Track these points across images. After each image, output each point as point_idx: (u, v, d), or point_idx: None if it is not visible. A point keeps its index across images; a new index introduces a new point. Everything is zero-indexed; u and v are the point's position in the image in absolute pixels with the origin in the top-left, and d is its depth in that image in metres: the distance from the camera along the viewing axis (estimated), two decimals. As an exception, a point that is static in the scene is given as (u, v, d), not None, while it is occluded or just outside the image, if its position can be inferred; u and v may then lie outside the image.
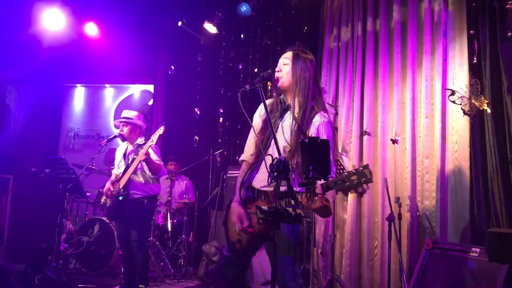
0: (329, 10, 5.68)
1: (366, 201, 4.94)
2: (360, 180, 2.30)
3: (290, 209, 2.15)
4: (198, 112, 7.48)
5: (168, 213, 6.32)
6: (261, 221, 2.29)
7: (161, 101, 8.05)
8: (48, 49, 7.68)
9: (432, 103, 4.44)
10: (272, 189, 2.52)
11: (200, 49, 7.55)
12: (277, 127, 2.76)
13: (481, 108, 3.93)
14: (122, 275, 4.97)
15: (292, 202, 2.37)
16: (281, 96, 2.83)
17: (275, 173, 2.18)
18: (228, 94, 7.24)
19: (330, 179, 2.49)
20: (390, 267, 4.12)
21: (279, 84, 2.78)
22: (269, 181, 2.23)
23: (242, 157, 2.93)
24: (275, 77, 2.80)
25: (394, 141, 4.69)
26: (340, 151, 5.31)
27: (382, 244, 4.71)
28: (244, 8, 6.50)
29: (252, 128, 2.84)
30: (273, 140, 2.53)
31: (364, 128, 5.04)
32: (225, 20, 6.92)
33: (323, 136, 2.64)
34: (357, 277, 4.95)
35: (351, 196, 5.05)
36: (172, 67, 7.63)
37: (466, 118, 4.05)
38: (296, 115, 2.70)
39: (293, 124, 2.69)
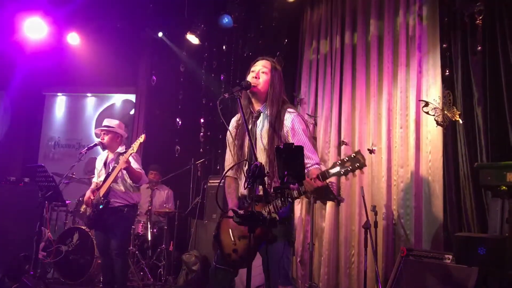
0: (308, 23, 5.82)
1: (343, 209, 5.04)
2: (354, 165, 2.40)
3: (266, 213, 2.22)
4: (180, 122, 7.53)
5: (148, 223, 6.33)
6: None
7: (142, 110, 8.09)
8: (29, 57, 7.69)
9: (406, 114, 4.58)
10: (261, 192, 2.57)
11: (182, 60, 7.64)
12: (254, 134, 2.84)
13: (453, 119, 4.07)
14: (101, 284, 4.95)
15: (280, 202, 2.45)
16: (254, 102, 2.92)
17: (252, 178, 2.25)
18: (210, 104, 7.32)
19: (316, 166, 2.59)
20: (366, 275, 4.20)
21: (255, 89, 2.86)
22: (245, 185, 2.29)
23: (227, 173, 2.95)
24: (253, 83, 2.87)
25: (371, 151, 4.78)
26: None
27: (359, 252, 4.80)
28: (226, 20, 6.60)
29: (227, 143, 2.93)
30: (252, 147, 2.60)
31: (342, 138, 5.15)
32: (207, 31, 7.02)
33: (299, 130, 2.77)
34: (335, 285, 5.02)
35: (329, 205, 5.14)
36: (154, 77, 7.70)
37: (439, 128, 4.19)
38: (270, 120, 2.80)
39: (269, 129, 2.78)
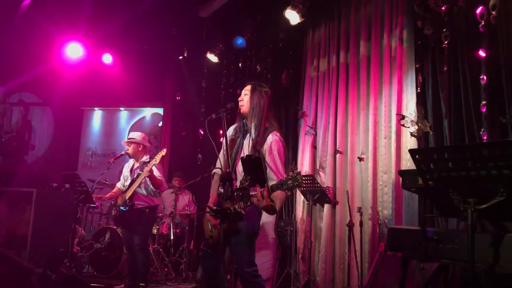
0: (310, 43, 6.46)
1: (338, 211, 5.62)
2: (294, 183, 2.95)
3: (233, 209, 2.88)
4: (202, 133, 8.30)
5: (172, 224, 7.08)
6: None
7: (169, 122, 8.92)
8: (69, 76, 8.67)
9: (389, 126, 5.13)
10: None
11: (204, 76, 8.43)
12: (241, 145, 3.51)
13: (425, 131, 4.60)
14: (127, 276, 5.72)
15: (248, 203, 3.07)
16: (244, 120, 3.58)
17: (223, 181, 2.93)
18: (228, 117, 8.01)
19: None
20: (350, 268, 4.78)
21: (240, 110, 3.54)
22: (218, 188, 2.97)
23: (214, 170, 3.66)
24: (239, 105, 3.56)
25: (360, 159, 5.39)
26: (318, 168, 6.03)
27: (350, 249, 5.36)
28: (240, 41, 7.35)
29: (222, 148, 3.60)
30: (239, 155, 3.27)
31: (337, 148, 5.74)
32: (225, 51, 7.76)
33: (274, 151, 3.36)
34: (331, 279, 5.59)
35: (326, 207, 5.74)
36: (178, 93, 8.53)
37: (414, 139, 4.73)
38: (253, 136, 3.44)
39: (250, 143, 3.43)
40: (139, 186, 5.38)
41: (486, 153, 2.17)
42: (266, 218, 5.87)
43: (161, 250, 6.92)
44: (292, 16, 6.04)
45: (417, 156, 2.39)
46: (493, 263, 2.44)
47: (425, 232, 2.73)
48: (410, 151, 2.41)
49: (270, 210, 3.06)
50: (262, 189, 2.97)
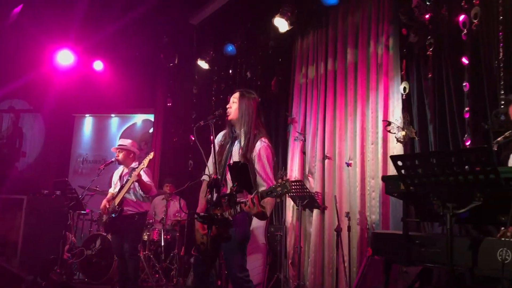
0: (299, 51, 6.56)
1: (327, 216, 5.69)
2: (283, 190, 2.96)
3: (220, 215, 2.93)
4: (193, 139, 8.34)
5: (162, 230, 7.10)
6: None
7: (160, 129, 8.96)
8: (60, 83, 8.70)
9: (376, 132, 5.22)
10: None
11: (195, 83, 8.49)
12: (230, 152, 3.55)
13: (411, 136, 4.69)
14: (117, 282, 5.74)
15: (238, 209, 3.11)
16: (232, 127, 3.64)
17: (210, 188, 2.98)
18: (219, 122, 8.08)
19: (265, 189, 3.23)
20: (338, 272, 4.84)
21: (229, 118, 3.59)
22: (206, 194, 3.02)
23: (203, 177, 3.70)
24: (227, 112, 3.61)
25: (348, 164, 5.47)
26: (307, 173, 6.10)
27: (338, 253, 5.42)
28: (230, 48, 7.42)
29: (212, 154, 3.64)
30: (229, 162, 3.31)
31: (325, 153, 5.82)
32: (216, 57, 7.84)
33: (263, 157, 3.39)
34: (320, 284, 5.65)
35: (315, 212, 5.80)
36: (169, 100, 8.58)
37: (400, 144, 4.81)
38: (242, 142, 3.49)
39: (239, 150, 3.48)
40: (128, 192, 5.39)
41: (463, 159, 2.24)
42: (257, 223, 5.91)
43: (152, 256, 6.93)
44: (281, 24, 6.12)
45: (398, 162, 2.45)
46: (472, 266, 2.50)
47: (407, 236, 2.80)
48: (392, 157, 2.48)
49: (261, 216, 3.10)
50: (253, 196, 3.00)
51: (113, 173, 6.05)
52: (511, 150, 3.42)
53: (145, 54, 8.51)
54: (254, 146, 3.43)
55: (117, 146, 5.74)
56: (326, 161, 5.81)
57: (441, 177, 2.32)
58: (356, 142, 5.43)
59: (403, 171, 2.47)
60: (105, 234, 6.49)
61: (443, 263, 2.65)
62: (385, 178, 2.94)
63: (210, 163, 3.62)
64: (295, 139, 6.31)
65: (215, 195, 3.00)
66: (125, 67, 8.68)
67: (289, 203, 6.17)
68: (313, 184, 5.94)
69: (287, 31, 6.32)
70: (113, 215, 5.25)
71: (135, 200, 5.48)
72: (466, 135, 4.15)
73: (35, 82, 8.61)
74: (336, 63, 5.89)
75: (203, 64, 7.85)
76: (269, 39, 6.95)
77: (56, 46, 8.35)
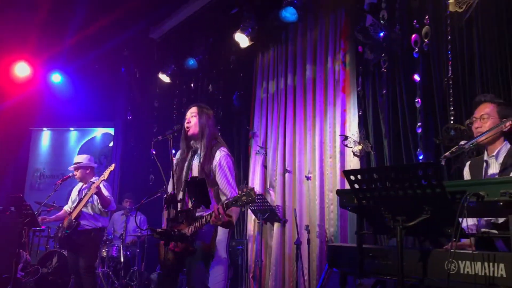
0: (259, 66, 6.65)
1: (288, 229, 5.74)
2: (247, 199, 2.96)
3: (177, 231, 2.92)
4: (154, 153, 8.25)
5: (121, 246, 6.97)
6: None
7: (120, 142, 8.84)
8: (16, 96, 8.47)
9: (334, 146, 5.33)
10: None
11: (156, 96, 8.44)
12: (190, 167, 3.55)
13: (367, 150, 4.82)
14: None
15: (203, 222, 3.08)
16: (191, 142, 3.64)
17: (167, 203, 2.97)
18: (179, 135, 8.06)
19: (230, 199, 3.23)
20: (298, 285, 4.88)
21: (189, 132, 3.59)
22: (163, 209, 3.01)
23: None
24: (186, 127, 3.60)
25: (308, 178, 5.56)
26: (268, 187, 6.15)
27: (298, 266, 5.47)
28: (191, 62, 7.43)
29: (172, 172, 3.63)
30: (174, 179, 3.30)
31: (286, 167, 5.89)
32: (178, 71, 7.82)
33: (224, 167, 3.40)
34: (281, 297, 5.68)
35: (276, 225, 5.84)
36: (129, 113, 8.49)
37: (357, 158, 4.94)
38: (202, 155, 3.49)
39: (199, 163, 3.49)
40: (85, 206, 5.29)
41: (410, 174, 2.32)
42: (218, 237, 5.88)
43: (111, 273, 6.78)
44: (242, 40, 6.19)
45: (350, 177, 2.52)
46: (423, 277, 2.58)
47: (361, 249, 2.87)
48: (344, 172, 2.55)
49: (228, 225, 3.11)
50: (218, 206, 3.00)
51: (73, 188, 5.93)
52: (462, 163, 3.56)
53: (105, 66, 8.41)
54: (213, 156, 3.44)
55: (73, 165, 5.62)
56: (287, 174, 5.88)
57: (391, 191, 2.40)
58: (315, 156, 5.52)
59: (356, 185, 2.54)
60: (64, 252, 6.31)
61: (395, 275, 2.71)
62: (339, 192, 3.00)
63: (171, 179, 3.61)
64: (256, 153, 6.36)
65: (173, 211, 2.99)
66: (85, 79, 8.55)
67: (251, 217, 6.19)
68: (274, 198, 5.99)
69: (248, 46, 6.38)
70: (66, 232, 5.12)
71: (92, 214, 5.37)
72: (418, 149, 4.30)
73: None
74: (296, 78, 6.00)
75: (164, 78, 7.82)
76: (230, 54, 7.01)
77: (12, 58, 8.15)
